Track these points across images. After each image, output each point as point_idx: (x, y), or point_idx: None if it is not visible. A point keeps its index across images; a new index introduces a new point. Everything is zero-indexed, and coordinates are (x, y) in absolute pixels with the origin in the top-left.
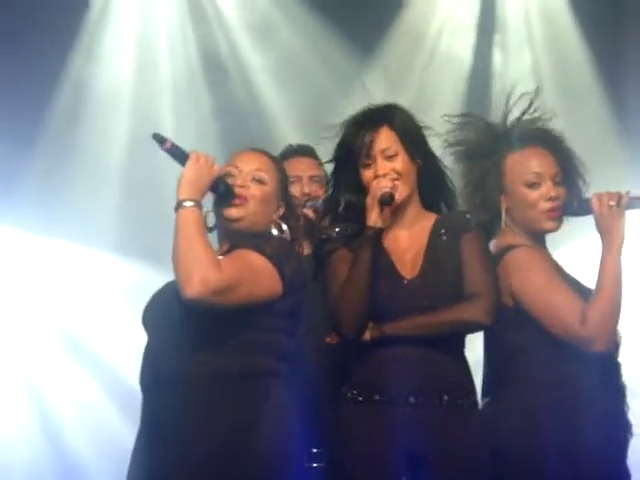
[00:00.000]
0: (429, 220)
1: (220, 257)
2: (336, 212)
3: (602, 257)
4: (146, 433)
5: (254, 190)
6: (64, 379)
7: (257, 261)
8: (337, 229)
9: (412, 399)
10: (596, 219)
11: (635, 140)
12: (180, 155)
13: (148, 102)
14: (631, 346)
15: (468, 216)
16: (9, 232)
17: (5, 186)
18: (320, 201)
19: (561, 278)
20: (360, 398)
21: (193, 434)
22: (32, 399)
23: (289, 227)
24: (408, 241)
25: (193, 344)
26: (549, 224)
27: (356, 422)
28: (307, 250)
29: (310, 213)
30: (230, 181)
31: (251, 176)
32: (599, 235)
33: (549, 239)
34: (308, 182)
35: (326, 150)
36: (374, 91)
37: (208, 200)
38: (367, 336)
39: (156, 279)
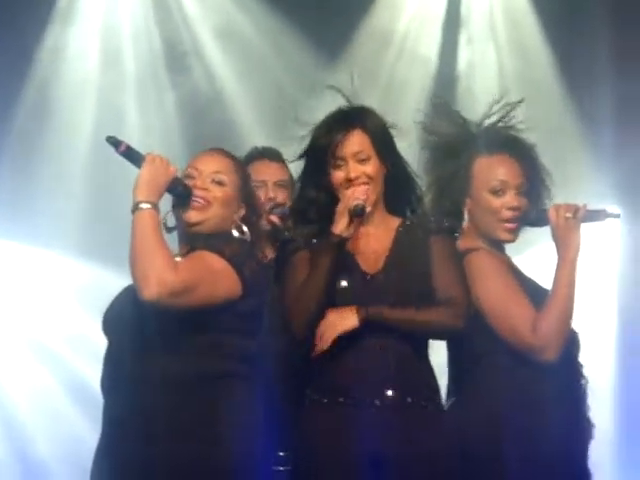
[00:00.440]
0: (394, 222)
1: (179, 259)
2: (302, 211)
3: (556, 268)
4: (107, 435)
5: (215, 192)
6: (25, 381)
7: (215, 263)
8: (300, 233)
9: (377, 401)
10: (552, 230)
11: (599, 144)
12: (135, 157)
13: (113, 101)
14: (592, 348)
15: (433, 219)
16: None
17: None
18: (287, 208)
19: (517, 284)
20: (325, 400)
21: (153, 435)
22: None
23: (250, 228)
24: (372, 240)
25: (153, 346)
26: (505, 235)
27: (321, 424)
28: (272, 254)
29: (276, 220)
30: (190, 183)
31: (211, 178)
32: (555, 246)
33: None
34: (274, 187)
35: (291, 152)
36: (341, 92)
37: (167, 200)
38: (354, 320)
39: (118, 282)
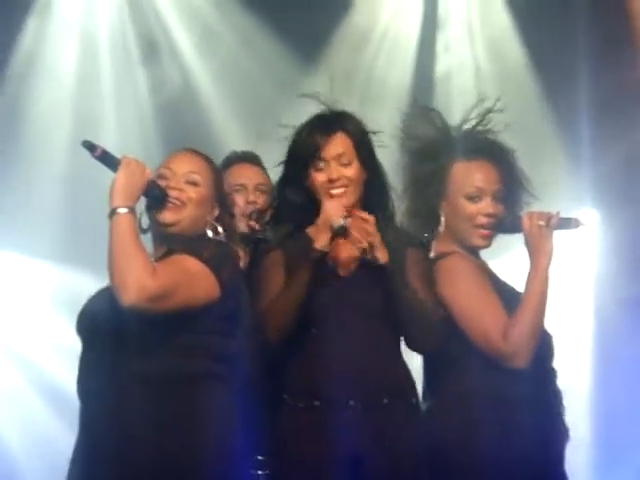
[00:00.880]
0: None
1: (156, 263)
2: (280, 211)
3: (528, 275)
4: (84, 437)
5: (189, 193)
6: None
7: (193, 266)
8: (274, 232)
9: (352, 402)
10: (525, 237)
11: (576, 146)
12: (111, 161)
13: (89, 106)
14: (568, 350)
15: (410, 233)
16: None
17: None
18: (267, 216)
19: (490, 288)
20: (301, 405)
21: (131, 439)
22: None
23: (224, 228)
24: (346, 243)
25: (130, 348)
26: (479, 241)
27: (297, 429)
28: (246, 259)
29: (256, 225)
30: (163, 184)
31: (185, 178)
32: (528, 253)
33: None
34: (254, 191)
35: (267, 155)
36: (319, 99)
37: (140, 202)
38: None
39: (95, 286)
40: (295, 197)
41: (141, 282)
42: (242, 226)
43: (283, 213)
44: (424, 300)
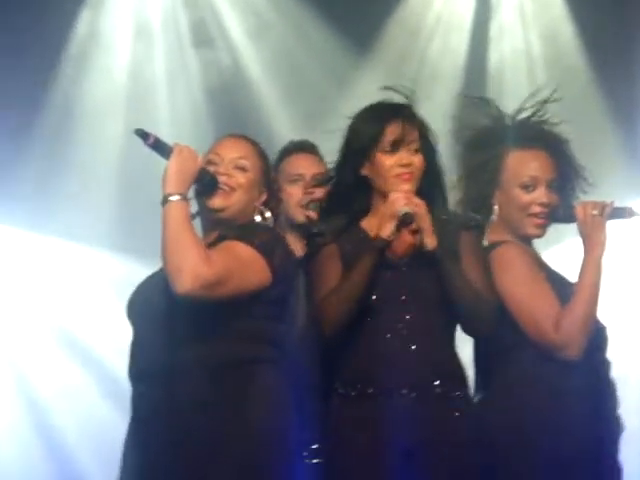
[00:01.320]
0: None
1: (209, 250)
2: (337, 198)
3: (582, 265)
4: (137, 426)
5: (238, 178)
6: (55, 374)
7: (246, 253)
8: (328, 226)
9: (405, 391)
10: (579, 227)
11: (631, 137)
12: (164, 149)
13: (143, 98)
14: (621, 343)
15: (464, 215)
16: (1, 229)
17: None
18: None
19: (544, 278)
20: (353, 393)
21: (185, 424)
22: (23, 394)
23: (272, 213)
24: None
25: (182, 335)
26: (533, 230)
27: (349, 417)
28: (302, 249)
29: (313, 215)
30: (212, 169)
31: (233, 164)
32: (582, 243)
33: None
34: (311, 181)
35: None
36: (368, 87)
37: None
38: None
39: (147, 273)
40: (355, 183)
41: (196, 270)
42: (300, 216)
43: (336, 202)
44: (477, 283)
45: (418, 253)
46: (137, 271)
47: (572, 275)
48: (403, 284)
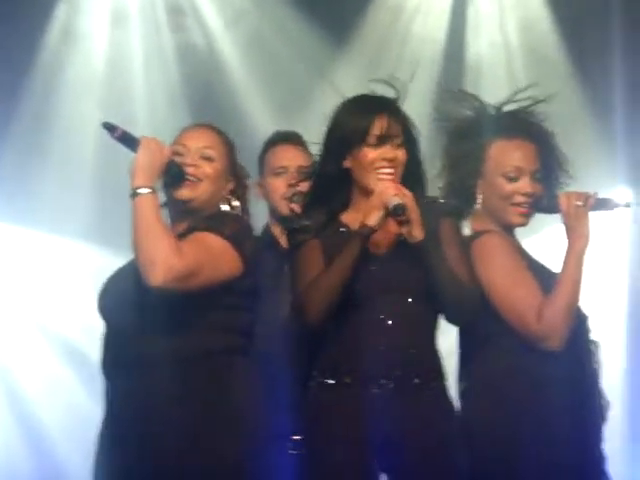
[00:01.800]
0: None
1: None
2: (320, 190)
3: (565, 256)
4: (111, 418)
5: (205, 169)
6: (37, 367)
7: (216, 243)
8: (308, 222)
9: (383, 381)
10: (563, 217)
11: (610, 128)
12: (131, 142)
13: (120, 83)
14: (603, 332)
15: (443, 202)
16: None
17: None
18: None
19: (525, 268)
20: (330, 382)
21: (159, 416)
22: (5, 386)
23: (239, 201)
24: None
25: (154, 327)
26: (517, 219)
27: (326, 406)
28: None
29: (297, 208)
30: (178, 160)
31: (199, 154)
32: (565, 233)
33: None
34: (295, 174)
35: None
36: (346, 75)
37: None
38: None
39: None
40: (333, 178)
41: (168, 262)
42: (284, 209)
43: (319, 195)
44: (459, 269)
45: (400, 244)
46: (117, 263)
47: (553, 264)
48: (384, 275)
